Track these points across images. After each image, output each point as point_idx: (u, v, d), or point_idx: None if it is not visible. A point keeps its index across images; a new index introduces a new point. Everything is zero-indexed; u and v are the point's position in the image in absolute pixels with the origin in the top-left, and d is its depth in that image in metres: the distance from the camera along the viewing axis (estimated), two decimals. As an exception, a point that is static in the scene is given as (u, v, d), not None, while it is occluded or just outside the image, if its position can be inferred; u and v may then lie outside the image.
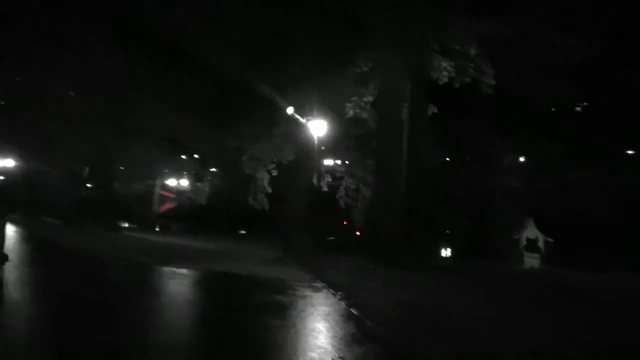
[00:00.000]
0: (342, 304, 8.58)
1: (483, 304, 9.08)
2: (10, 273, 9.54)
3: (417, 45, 14.45)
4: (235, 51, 18.26)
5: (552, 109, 25.43)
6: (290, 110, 16.87)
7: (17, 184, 24.28)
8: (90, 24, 19.92)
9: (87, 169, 27.67)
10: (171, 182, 38.48)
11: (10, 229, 15.52)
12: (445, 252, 21.95)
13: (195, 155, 33.90)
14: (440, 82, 16.84)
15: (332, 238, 24.71)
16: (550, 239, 21.76)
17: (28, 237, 17.72)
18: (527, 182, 25.32)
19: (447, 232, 21.98)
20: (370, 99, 17.72)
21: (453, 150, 24.68)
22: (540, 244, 21.86)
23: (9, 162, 27.92)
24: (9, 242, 11.72)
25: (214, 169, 34.45)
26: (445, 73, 16.37)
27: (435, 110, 17.78)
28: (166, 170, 35.12)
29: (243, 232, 34.89)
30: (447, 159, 26.84)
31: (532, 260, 21.35)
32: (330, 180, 24.07)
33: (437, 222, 19.36)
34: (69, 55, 19.43)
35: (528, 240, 22.34)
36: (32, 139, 23.48)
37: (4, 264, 9.87)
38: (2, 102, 23.51)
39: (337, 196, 23.46)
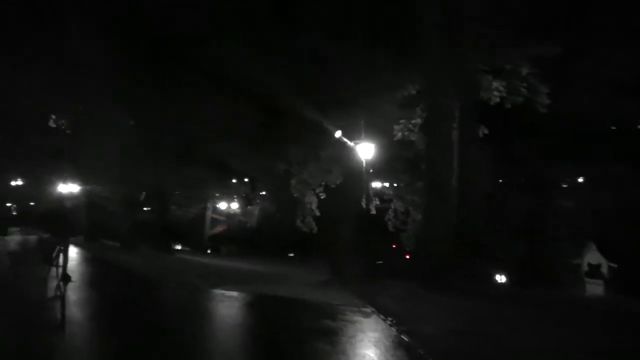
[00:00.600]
0: (393, 330, 8.37)
1: (547, 335, 8.58)
2: (72, 292, 10.02)
3: (466, 66, 14.25)
4: (284, 76, 18.68)
5: (613, 128, 24.23)
6: (338, 133, 16.96)
7: (81, 208, 25.59)
8: (147, 54, 21.03)
9: (143, 193, 28.86)
10: (222, 205, 39.42)
11: (73, 251, 16.34)
12: (500, 278, 21.06)
13: (245, 179, 34.63)
14: (491, 103, 16.48)
15: (380, 262, 24.35)
16: (613, 265, 20.43)
17: (89, 258, 18.58)
18: (587, 204, 24.05)
19: (501, 257, 21.15)
20: (418, 121, 17.57)
21: (507, 172, 23.94)
22: (604, 269, 20.56)
23: (74, 188, 29.57)
24: (72, 263, 12.33)
25: (263, 193, 35.02)
26: (496, 93, 16.00)
27: (486, 132, 17.37)
28: (217, 194, 36.04)
29: (291, 254, 35.06)
30: (500, 181, 26.05)
31: (594, 287, 20.06)
32: (378, 203, 23.88)
33: (491, 246, 18.70)
34: (125, 84, 20.55)
35: (590, 265, 21.06)
36: (95, 166, 24.84)
37: (67, 284, 10.40)
38: (69, 131, 25.08)
39: (386, 219, 23.20)
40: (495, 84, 16.10)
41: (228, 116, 21.74)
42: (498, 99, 16.28)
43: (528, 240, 21.76)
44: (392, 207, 23.12)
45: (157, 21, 19.85)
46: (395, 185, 24.09)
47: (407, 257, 24.17)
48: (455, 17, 13.56)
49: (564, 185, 27.15)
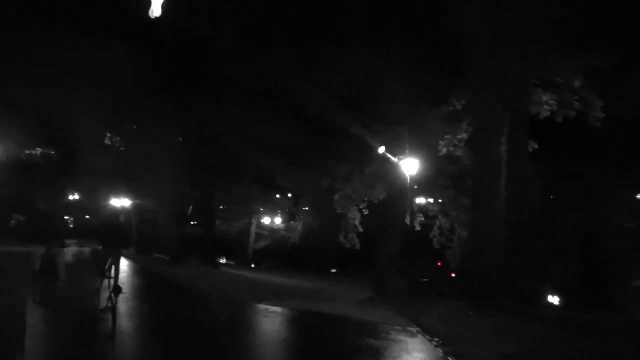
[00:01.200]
0: (439, 351, 8.13)
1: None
2: (122, 304, 10.35)
3: (515, 80, 13.89)
4: (329, 92, 18.84)
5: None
6: (382, 149, 16.89)
7: (132, 222, 26.61)
8: (194, 72, 21.82)
9: (191, 208, 29.68)
10: (266, 220, 39.90)
11: (124, 263, 16.94)
12: (552, 299, 20.09)
13: (289, 195, 34.96)
14: (542, 117, 15.96)
15: (425, 280, 23.83)
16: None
17: (139, 270, 19.19)
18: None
19: (553, 276, 20.20)
20: (464, 136, 17.24)
21: (559, 187, 22.97)
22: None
23: (125, 202, 30.84)
24: (123, 276, 12.76)
25: (306, 208, 35.21)
26: (546, 107, 15.50)
27: (536, 146, 16.82)
28: (262, 209, 36.54)
29: (334, 270, 34.93)
30: (552, 197, 25.02)
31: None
32: (423, 219, 23.46)
33: (542, 265, 17.91)
34: (172, 102, 21.37)
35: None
36: (146, 181, 25.86)
37: (118, 295, 10.76)
38: (122, 148, 26.25)
39: (431, 236, 22.71)
40: (545, 98, 15.61)
41: (274, 132, 22.14)
42: (548, 113, 15.76)
43: (583, 259, 20.70)
44: (437, 223, 22.62)
45: (204, 38, 20.56)
46: (440, 201, 23.60)
47: (453, 275, 23.51)
48: (502, 29, 13.28)
49: (621, 203, 25.75)
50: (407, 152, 16.21)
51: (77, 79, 20.84)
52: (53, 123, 22.34)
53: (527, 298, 15.14)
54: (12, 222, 44.81)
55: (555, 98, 15.47)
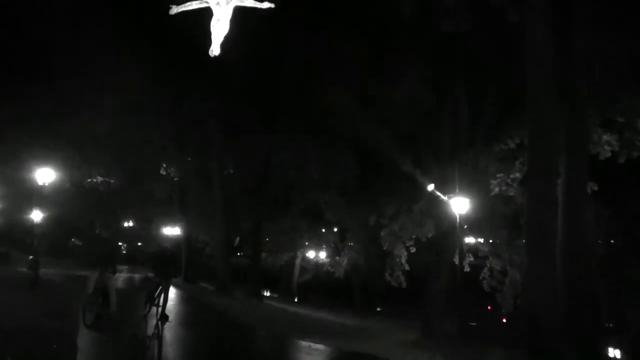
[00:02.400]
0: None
1: None
2: (168, 332, 10.48)
3: (574, 119, 13.42)
4: (381, 127, 18.91)
5: None
6: (431, 187, 16.63)
7: (182, 250, 27.26)
8: (246, 101, 22.56)
9: (238, 239, 30.13)
10: (311, 254, 39.77)
11: (172, 292, 17.27)
12: (613, 352, 18.65)
13: (335, 229, 34.82)
14: (602, 157, 15.28)
15: (474, 323, 22.80)
16: None
17: (186, 299, 19.48)
18: None
19: (617, 327, 18.82)
20: (517, 175, 16.72)
21: (623, 232, 21.66)
22: None
23: (175, 231, 31.75)
24: (170, 304, 12.95)
25: (352, 243, 34.90)
26: (607, 147, 14.83)
27: (596, 188, 16.04)
28: (307, 243, 36.52)
29: (379, 309, 34.08)
30: (612, 241, 23.61)
31: None
32: (472, 259, 22.67)
33: (604, 314, 16.76)
34: (227, 135, 22.11)
35: None
36: (198, 211, 26.64)
37: (164, 323, 10.91)
38: (176, 178, 27.24)
39: (481, 278, 21.85)
40: (605, 137, 14.97)
41: (327, 166, 22.38)
42: (609, 154, 15.08)
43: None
44: (488, 265, 21.78)
45: (264, 73, 21.32)
46: (491, 241, 22.79)
47: (504, 320, 22.38)
48: (563, 66, 12.93)
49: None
50: (457, 190, 15.86)
51: (139, 112, 22.08)
52: (114, 153, 23.60)
53: (588, 349, 14.12)
54: (69, 245, 47.14)
55: (616, 138, 14.81)
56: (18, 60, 21.86)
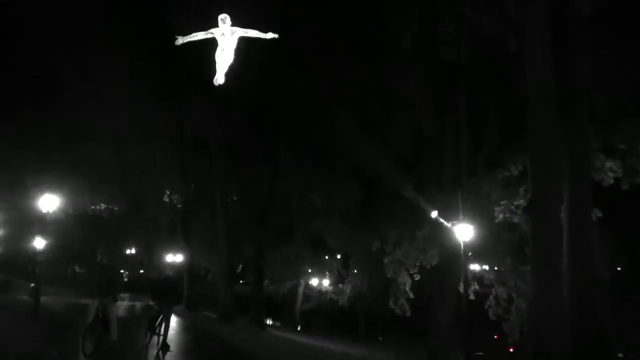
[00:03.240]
0: None
1: None
2: (170, 362, 10.31)
3: (577, 144, 13.45)
4: (384, 154, 18.99)
5: None
6: (434, 213, 16.56)
7: (183, 278, 27.04)
8: (249, 130, 22.78)
9: (240, 266, 29.87)
10: (314, 281, 39.36)
11: (173, 320, 17.06)
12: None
13: (338, 256, 34.57)
14: (605, 184, 15.26)
15: (480, 353, 22.35)
16: None
17: (187, 328, 19.21)
18: None
19: (626, 357, 18.38)
20: (521, 202, 16.66)
21: (631, 256, 21.43)
22: None
23: (178, 258, 31.56)
24: (171, 333, 12.77)
25: (355, 270, 34.58)
26: (610, 174, 14.82)
27: (600, 214, 15.96)
28: (310, 270, 36.20)
29: (382, 338, 33.48)
30: (619, 269, 23.34)
31: None
32: (477, 287, 22.38)
33: (613, 343, 16.37)
34: (230, 161, 22.25)
35: None
36: (201, 238, 26.55)
37: (165, 353, 10.75)
38: (179, 205, 27.25)
39: (486, 306, 21.52)
40: (608, 164, 14.98)
41: (330, 193, 22.41)
42: (612, 180, 15.06)
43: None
44: (493, 293, 21.48)
45: (266, 102, 21.59)
46: (496, 269, 22.54)
47: (511, 350, 21.94)
48: (566, 90, 13.04)
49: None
50: (461, 216, 15.79)
51: (143, 139, 22.28)
52: (118, 180, 23.71)
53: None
54: (71, 272, 46.83)
55: (619, 165, 14.81)
56: (24, 87, 22.24)
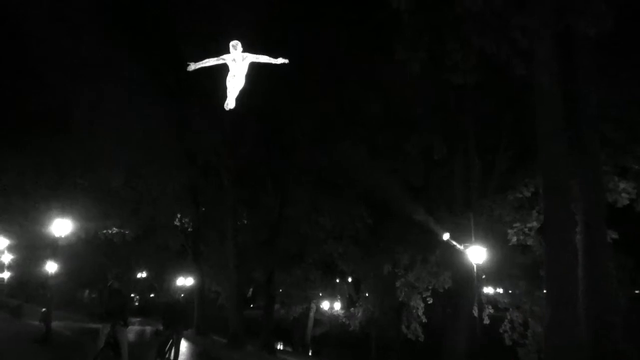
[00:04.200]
0: None
1: None
2: (179, 390, 10.16)
3: (587, 167, 13.35)
4: (394, 177, 18.97)
5: None
6: (446, 236, 16.44)
7: (193, 303, 26.92)
8: (262, 155, 22.93)
9: (250, 290, 29.69)
10: (325, 305, 38.92)
11: (183, 345, 16.90)
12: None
13: (349, 279, 34.24)
14: (619, 205, 15.05)
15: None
16: None
17: (197, 354, 19.02)
18: None
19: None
20: (535, 224, 16.48)
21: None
22: None
23: (189, 281, 31.47)
24: (181, 358, 12.67)
25: (367, 294, 34.18)
26: (624, 195, 14.64)
27: (615, 236, 15.71)
28: (320, 294, 35.84)
29: (395, 364, 32.83)
30: (637, 291, 22.78)
31: None
32: (492, 311, 21.97)
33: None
34: (234, 188, 22.39)
35: None
36: (212, 262, 26.51)
37: (175, 380, 10.62)
38: (190, 229, 27.31)
39: (501, 330, 21.08)
40: (622, 185, 14.81)
41: (340, 216, 22.37)
42: (627, 202, 14.86)
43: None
44: (508, 317, 21.05)
45: (267, 123, 21.80)
46: (510, 292, 22.14)
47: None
48: (575, 115, 13.02)
49: None
50: (473, 239, 15.63)
51: (154, 164, 22.53)
52: (129, 205, 23.92)
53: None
54: (82, 297, 46.86)
55: (633, 186, 14.64)
56: (38, 114, 22.73)
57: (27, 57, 21.61)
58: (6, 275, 37.12)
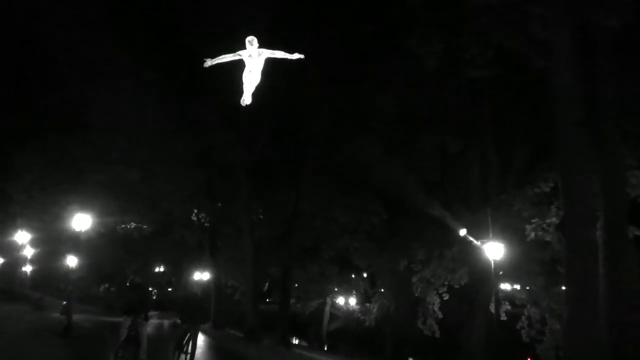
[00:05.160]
0: None
1: None
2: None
3: (610, 161, 13.09)
4: (411, 173, 18.88)
5: None
6: (463, 231, 16.33)
7: (210, 297, 27.18)
8: (276, 154, 23.02)
9: (266, 284, 29.87)
10: (340, 300, 38.98)
11: (200, 338, 17.10)
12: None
13: (365, 274, 34.23)
14: (640, 201, 14.76)
15: (515, 377, 21.61)
16: None
17: (213, 347, 19.23)
18: None
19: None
20: (554, 220, 16.24)
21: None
22: None
23: (205, 276, 31.80)
24: (198, 351, 12.81)
25: (382, 289, 34.13)
26: (646, 190, 14.34)
27: (637, 232, 15.42)
28: (336, 289, 35.89)
29: (410, 359, 32.76)
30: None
31: None
32: (509, 308, 21.79)
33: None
34: (250, 184, 22.54)
35: None
36: (228, 257, 26.75)
37: (191, 373, 10.75)
38: (206, 224, 27.57)
39: (518, 327, 20.89)
40: (645, 180, 14.51)
41: (357, 212, 22.37)
42: (649, 197, 14.55)
43: None
44: (526, 313, 20.84)
45: (283, 119, 21.86)
46: (528, 288, 21.91)
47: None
48: (592, 111, 12.77)
49: None
50: (491, 235, 15.49)
51: (171, 161, 22.79)
52: (147, 201, 24.24)
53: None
54: (102, 290, 47.68)
55: (656, 181, 14.34)
56: (57, 113, 23.19)
57: (43, 59, 22.08)
58: (29, 268, 37.95)
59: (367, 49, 18.33)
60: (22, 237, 31.19)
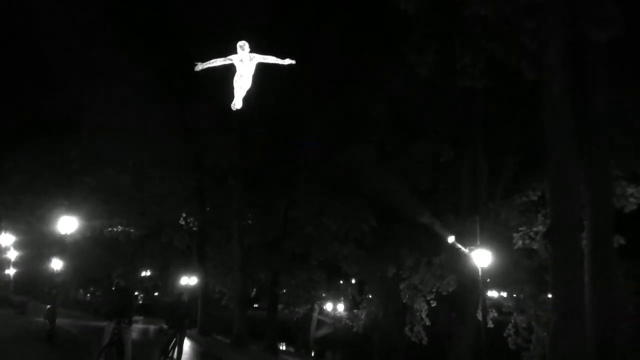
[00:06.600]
0: None
1: None
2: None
3: (594, 173, 13.26)
4: (400, 180, 18.96)
5: None
6: (451, 239, 16.38)
7: (197, 302, 26.95)
8: (267, 161, 23.01)
9: (254, 290, 29.67)
10: (328, 307, 38.87)
11: (186, 344, 16.91)
12: None
13: (353, 280, 34.18)
14: (626, 211, 14.93)
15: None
16: None
17: (200, 353, 19.03)
18: None
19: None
20: (541, 228, 16.39)
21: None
22: None
23: (193, 281, 31.52)
24: (184, 357, 12.67)
25: (371, 296, 34.11)
26: (632, 200, 14.53)
27: (623, 242, 15.59)
28: (324, 295, 35.78)
29: (398, 366, 32.74)
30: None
31: None
32: (496, 315, 21.88)
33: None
34: (240, 190, 22.47)
35: None
36: (216, 262, 26.56)
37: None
38: (195, 229, 27.35)
39: (505, 335, 20.99)
40: (630, 190, 14.70)
41: (345, 220, 22.38)
42: (635, 207, 14.75)
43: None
44: (513, 321, 20.95)
45: (275, 125, 21.85)
46: (515, 296, 22.02)
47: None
48: (584, 121, 12.93)
49: None
50: (478, 242, 15.57)
51: (161, 165, 22.64)
52: (135, 204, 24.02)
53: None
54: (86, 294, 47.03)
55: (640, 190, 14.55)
56: (50, 115, 22.93)
57: (36, 60, 21.88)
58: (12, 272, 37.35)
59: (361, 56, 18.42)
60: (5, 239, 30.68)
